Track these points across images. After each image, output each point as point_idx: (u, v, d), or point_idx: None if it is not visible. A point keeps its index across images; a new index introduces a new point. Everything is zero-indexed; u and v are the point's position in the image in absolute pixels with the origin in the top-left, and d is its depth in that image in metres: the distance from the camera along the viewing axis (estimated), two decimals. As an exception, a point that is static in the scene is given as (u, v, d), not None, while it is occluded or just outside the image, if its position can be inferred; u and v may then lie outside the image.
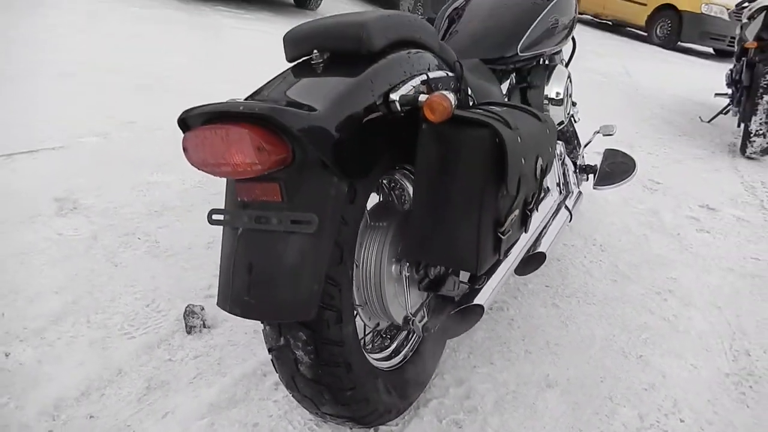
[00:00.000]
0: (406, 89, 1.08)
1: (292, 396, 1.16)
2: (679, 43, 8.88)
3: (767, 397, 1.64)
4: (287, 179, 0.93)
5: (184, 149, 0.94)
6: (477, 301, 1.16)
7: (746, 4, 4.33)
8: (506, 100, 1.85)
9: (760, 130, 3.75)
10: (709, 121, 4.69)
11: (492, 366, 1.60)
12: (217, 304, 1.02)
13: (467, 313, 1.17)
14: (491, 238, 1.10)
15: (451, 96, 1.00)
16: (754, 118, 3.74)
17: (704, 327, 1.93)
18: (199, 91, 3.32)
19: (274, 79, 1.10)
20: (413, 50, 1.21)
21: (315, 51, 1.10)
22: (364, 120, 1.01)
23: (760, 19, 3.79)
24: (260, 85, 1.08)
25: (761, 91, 3.67)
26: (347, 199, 1.00)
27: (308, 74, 1.09)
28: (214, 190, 2.31)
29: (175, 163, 2.46)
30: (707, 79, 6.80)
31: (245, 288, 0.98)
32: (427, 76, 1.18)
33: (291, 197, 0.95)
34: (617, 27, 10.63)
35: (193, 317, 1.58)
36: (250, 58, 4.14)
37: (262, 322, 1.11)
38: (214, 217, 1.02)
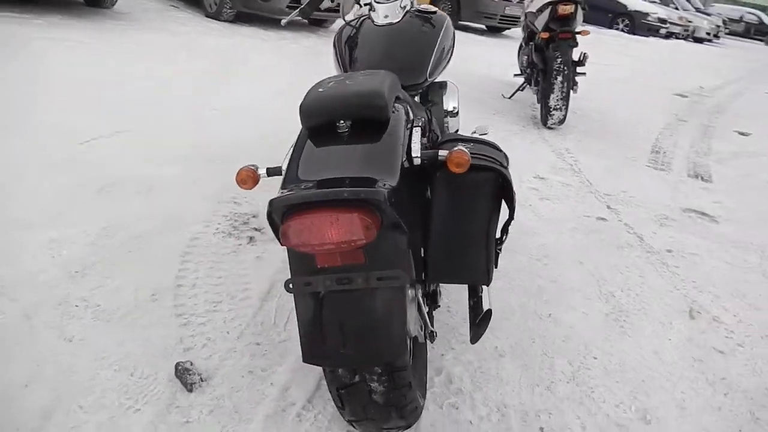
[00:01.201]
0: (420, 145, 1.29)
1: (355, 422, 1.33)
2: (459, 22, 9.94)
3: (639, 326, 2.20)
4: (370, 243, 1.09)
5: (284, 234, 1.04)
6: (485, 307, 1.44)
7: (528, -6, 5.14)
8: None
9: (558, 105, 4.56)
10: (509, 98, 5.50)
11: (454, 350, 1.91)
12: (305, 360, 1.15)
13: (485, 318, 1.44)
14: (494, 253, 1.38)
15: (466, 150, 1.24)
16: (551, 96, 4.54)
17: (578, 281, 2.46)
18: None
19: (313, 149, 1.22)
20: (398, 104, 1.41)
21: (341, 121, 1.25)
22: (403, 179, 1.20)
23: (546, 13, 4.56)
24: (304, 157, 1.20)
25: (555, 73, 4.46)
26: (409, 249, 1.20)
27: (343, 143, 1.23)
28: (125, 236, 2.23)
29: (70, 215, 2.29)
30: (491, 54, 7.83)
31: (339, 342, 1.13)
32: (420, 124, 1.39)
33: (373, 258, 1.11)
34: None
35: (188, 374, 1.61)
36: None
37: (324, 369, 1.26)
38: (292, 285, 1.14)
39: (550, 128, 4.75)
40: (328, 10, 6.88)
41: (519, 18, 10.75)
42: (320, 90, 1.33)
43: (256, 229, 2.45)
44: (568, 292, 2.36)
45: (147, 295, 1.93)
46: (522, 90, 5.41)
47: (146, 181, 2.67)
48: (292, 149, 1.34)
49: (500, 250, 1.42)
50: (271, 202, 1.06)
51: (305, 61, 5.74)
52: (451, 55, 2.32)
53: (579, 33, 4.52)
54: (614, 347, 2.05)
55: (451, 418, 1.63)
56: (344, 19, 2.42)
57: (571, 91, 4.57)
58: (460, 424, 1.61)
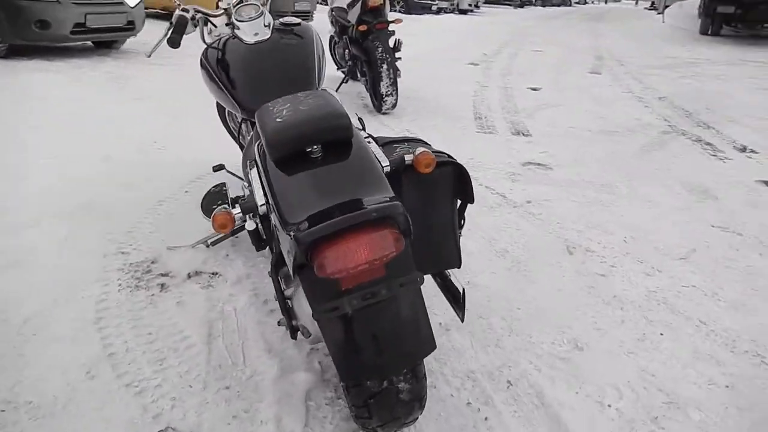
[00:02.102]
0: (385, 154, 1.37)
1: (381, 427, 1.38)
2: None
3: (537, 271, 2.52)
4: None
5: (320, 266, 1.06)
6: (459, 287, 1.58)
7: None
8: None
9: (388, 91, 4.84)
10: (336, 90, 5.68)
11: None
12: (344, 380, 1.19)
13: (463, 296, 1.57)
14: (459, 238, 1.52)
15: (429, 151, 1.35)
16: (381, 83, 4.80)
17: (472, 246, 2.73)
18: None
19: (296, 179, 1.24)
20: None
21: (313, 146, 1.28)
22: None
23: (358, 7, 4.78)
24: (291, 189, 1.21)
25: (379, 61, 4.72)
26: None
27: (321, 166, 1.27)
28: (19, 321, 1.95)
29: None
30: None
31: (375, 354, 1.18)
32: (368, 135, 1.46)
33: (391, 268, 1.18)
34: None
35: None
36: None
37: (345, 387, 1.30)
38: (319, 314, 1.16)
39: (385, 113, 5.02)
40: (115, 30, 6.41)
41: (309, 12, 11.02)
42: (278, 120, 1.33)
43: (163, 275, 2.30)
44: (470, 258, 2.61)
45: (81, 376, 1.74)
46: (345, 83, 5.61)
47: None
48: (261, 184, 1.33)
49: (461, 233, 1.57)
50: (298, 240, 1.07)
51: (116, 88, 5.31)
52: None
53: (393, 22, 4.83)
54: (528, 295, 2.34)
55: (436, 397, 1.76)
56: (204, 42, 2.36)
57: (397, 76, 4.88)
58: (446, 400, 1.75)
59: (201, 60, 2.29)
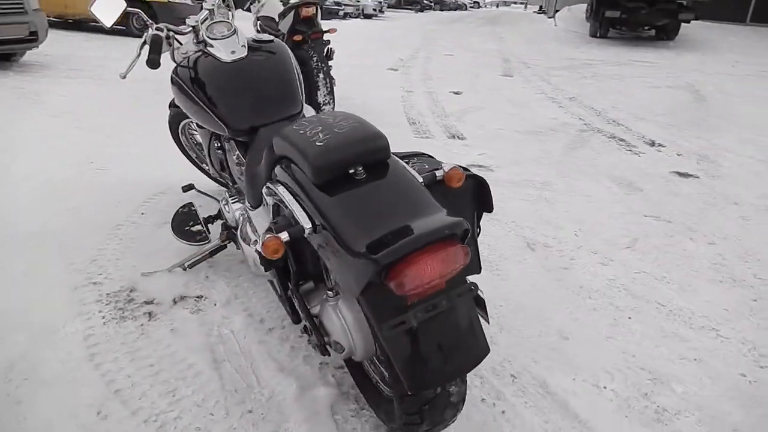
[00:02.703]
0: (418, 170, 1.45)
1: (428, 429, 1.44)
2: (159, 30, 9.47)
3: (507, 270, 2.68)
4: None
5: (399, 285, 1.11)
6: (480, 292, 1.67)
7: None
8: None
9: (326, 99, 4.88)
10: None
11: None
12: (413, 391, 1.24)
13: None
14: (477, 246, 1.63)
15: (458, 166, 1.45)
16: (318, 93, 4.82)
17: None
18: None
19: (349, 201, 1.29)
20: None
21: (357, 168, 1.32)
22: None
23: (290, 17, 4.77)
24: (345, 211, 1.26)
25: (316, 71, 4.75)
26: None
27: (369, 186, 1.32)
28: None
29: None
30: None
31: (442, 362, 1.25)
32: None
33: (449, 280, 1.25)
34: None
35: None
36: None
37: (399, 397, 1.36)
38: (387, 331, 1.21)
39: (321, 122, 5.04)
40: (16, 41, 5.98)
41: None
42: (319, 144, 1.37)
43: (147, 303, 2.22)
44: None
45: (93, 417, 1.66)
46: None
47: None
48: (302, 207, 1.35)
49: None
50: (377, 261, 1.12)
51: (28, 105, 4.95)
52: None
53: (328, 31, 4.87)
54: (504, 292, 2.49)
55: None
56: (174, 60, 2.30)
57: (333, 85, 4.93)
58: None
59: (172, 78, 2.24)
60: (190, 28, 2.27)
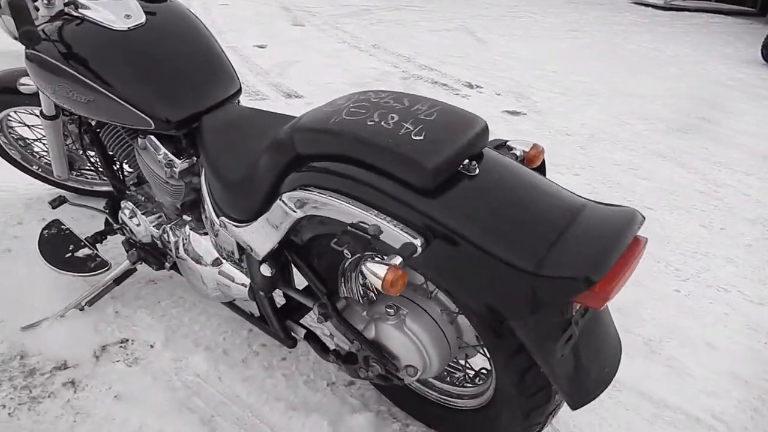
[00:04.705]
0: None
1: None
2: None
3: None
4: None
5: (605, 297, 0.93)
6: None
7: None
8: None
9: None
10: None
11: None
12: (576, 407, 1.09)
13: None
14: None
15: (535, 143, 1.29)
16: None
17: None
18: None
19: (488, 204, 1.06)
20: None
21: (465, 161, 1.08)
22: None
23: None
24: (493, 219, 1.04)
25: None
26: None
27: (494, 179, 1.10)
28: None
29: None
30: None
31: (601, 368, 1.12)
32: None
33: None
34: None
35: None
36: None
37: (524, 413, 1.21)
38: (562, 351, 1.03)
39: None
40: None
41: None
42: (417, 138, 1.07)
43: (58, 368, 1.63)
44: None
45: None
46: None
47: None
48: (403, 216, 1.07)
49: None
50: (589, 278, 0.92)
51: None
52: None
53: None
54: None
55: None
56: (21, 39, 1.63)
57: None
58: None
59: (33, 57, 1.60)
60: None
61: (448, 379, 1.52)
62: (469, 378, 1.49)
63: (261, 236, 1.35)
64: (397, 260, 1.02)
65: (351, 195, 1.13)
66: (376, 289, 1.64)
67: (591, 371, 1.13)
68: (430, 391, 1.51)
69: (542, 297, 0.97)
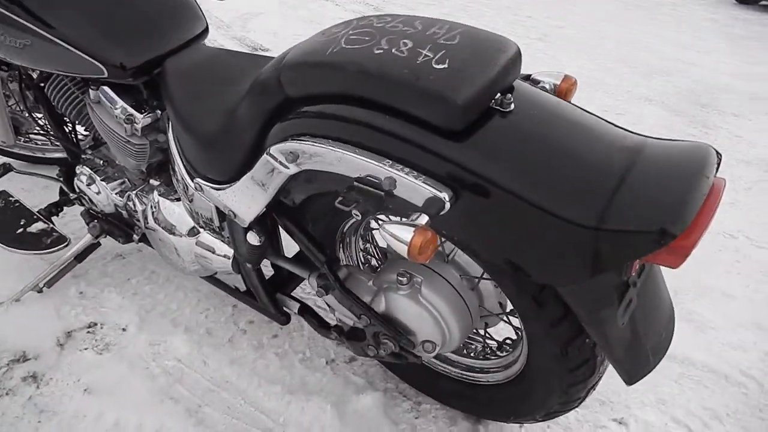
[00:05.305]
0: None
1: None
2: None
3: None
4: None
5: (682, 253, 0.77)
6: None
7: None
8: None
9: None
10: None
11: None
12: (633, 382, 0.95)
13: None
14: None
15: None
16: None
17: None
18: None
19: (550, 146, 0.88)
20: None
21: (498, 95, 0.89)
22: None
23: None
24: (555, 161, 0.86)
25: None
26: None
27: (535, 116, 0.91)
28: None
29: None
30: None
31: (658, 332, 0.99)
32: None
33: None
34: None
35: None
36: None
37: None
38: (622, 319, 0.87)
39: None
40: None
41: None
42: (440, 67, 0.86)
43: (16, 360, 1.42)
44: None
45: None
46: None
47: None
48: (423, 166, 0.87)
49: None
50: (666, 232, 0.74)
51: None
52: None
53: None
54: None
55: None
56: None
57: None
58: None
59: None
60: None
61: (465, 351, 1.36)
62: (491, 349, 1.33)
63: (246, 199, 1.14)
64: (423, 219, 0.83)
65: (356, 143, 0.93)
66: (381, 255, 1.48)
67: (648, 339, 0.97)
68: (445, 365, 1.35)
69: (605, 257, 0.79)
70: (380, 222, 0.85)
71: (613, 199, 0.79)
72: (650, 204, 0.78)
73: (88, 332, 1.53)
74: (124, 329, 1.54)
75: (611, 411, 1.42)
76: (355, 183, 0.93)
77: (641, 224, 0.77)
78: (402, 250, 0.81)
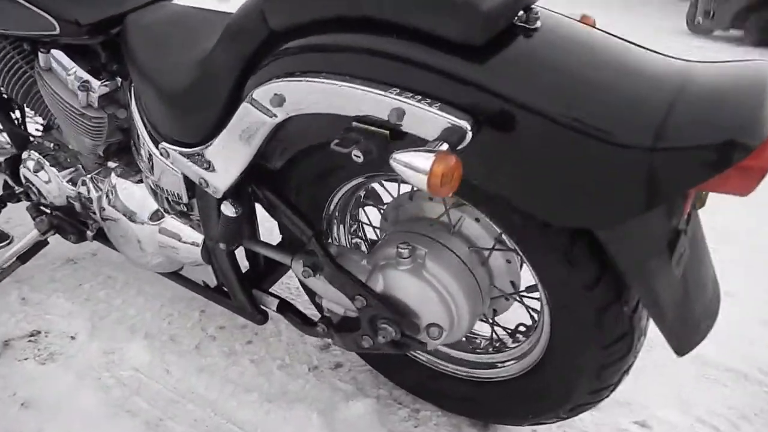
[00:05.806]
0: None
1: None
2: None
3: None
4: None
5: (763, 172, 0.63)
6: None
7: None
8: None
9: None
10: None
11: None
12: (684, 353, 0.80)
13: None
14: None
15: None
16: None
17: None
18: None
19: (590, 64, 0.75)
20: None
21: (522, 12, 0.77)
22: None
23: None
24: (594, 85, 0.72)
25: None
26: None
27: (563, 36, 0.79)
28: None
29: None
30: None
31: (707, 295, 0.84)
32: None
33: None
34: None
35: None
36: None
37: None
38: (676, 269, 0.74)
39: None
40: None
41: None
42: None
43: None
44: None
45: None
46: None
47: None
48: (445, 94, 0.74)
49: None
50: (738, 144, 0.61)
51: None
52: None
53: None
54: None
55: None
56: None
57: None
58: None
59: None
60: None
61: (470, 347, 1.19)
62: (501, 342, 1.17)
63: (221, 161, 0.99)
64: (444, 146, 0.69)
65: (355, 74, 0.79)
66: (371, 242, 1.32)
67: (698, 301, 0.84)
68: (447, 364, 1.18)
69: (664, 184, 0.66)
70: (393, 156, 0.70)
71: (670, 114, 0.67)
72: (716, 117, 0.66)
73: (30, 341, 1.32)
74: (72, 337, 1.33)
75: (630, 413, 1.27)
76: (354, 123, 0.79)
77: (709, 137, 0.64)
78: (421, 181, 0.66)
